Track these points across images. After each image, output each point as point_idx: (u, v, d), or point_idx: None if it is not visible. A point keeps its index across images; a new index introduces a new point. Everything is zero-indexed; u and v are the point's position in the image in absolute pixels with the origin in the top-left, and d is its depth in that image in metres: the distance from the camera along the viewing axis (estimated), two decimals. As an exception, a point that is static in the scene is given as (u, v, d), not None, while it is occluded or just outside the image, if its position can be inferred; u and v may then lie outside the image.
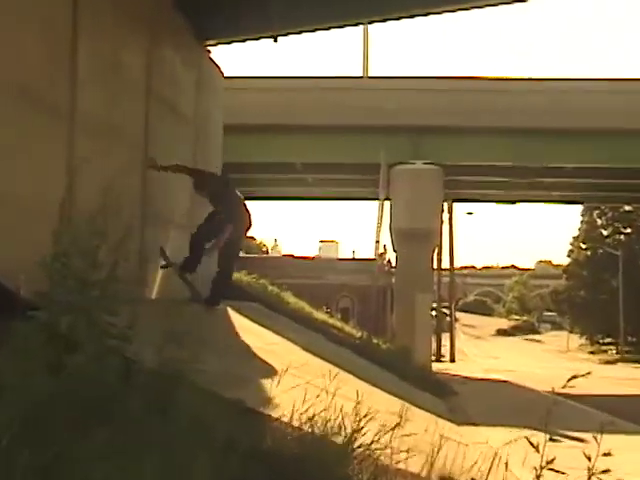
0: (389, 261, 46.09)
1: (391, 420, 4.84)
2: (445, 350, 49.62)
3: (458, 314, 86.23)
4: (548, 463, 3.10)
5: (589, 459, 3.07)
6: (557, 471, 3.10)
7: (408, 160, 31.04)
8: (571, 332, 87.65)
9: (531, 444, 3.11)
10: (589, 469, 3.07)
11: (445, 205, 44.29)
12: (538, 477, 3.12)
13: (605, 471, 3.09)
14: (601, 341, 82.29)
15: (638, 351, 69.75)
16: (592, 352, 77.88)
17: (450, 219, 49.37)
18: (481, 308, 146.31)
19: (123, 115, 9.57)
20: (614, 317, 67.89)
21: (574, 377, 3.26)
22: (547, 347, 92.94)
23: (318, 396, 4.93)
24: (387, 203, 30.82)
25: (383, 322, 42.03)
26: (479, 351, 74.21)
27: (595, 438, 3.25)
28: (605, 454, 3.12)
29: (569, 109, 30.31)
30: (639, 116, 29.93)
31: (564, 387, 3.27)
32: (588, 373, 3.39)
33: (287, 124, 30.59)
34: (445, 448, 4.94)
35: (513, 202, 43.91)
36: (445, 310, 55.11)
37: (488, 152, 31.48)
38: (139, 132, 10.18)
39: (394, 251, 32.89)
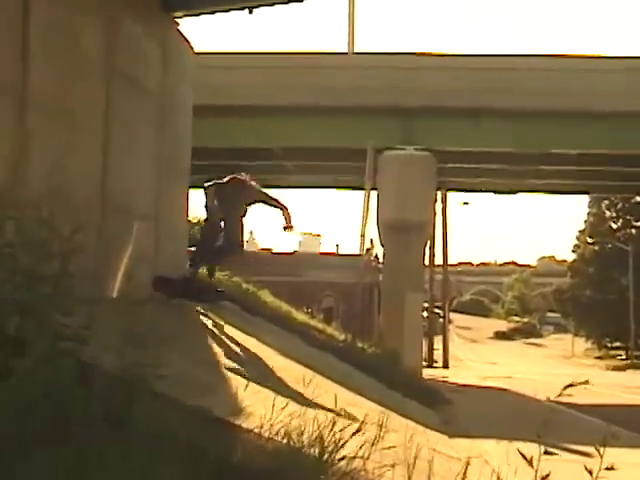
0: (376, 257, 46.16)
1: (375, 431, 4.85)
2: (438, 355, 49.74)
3: (452, 315, 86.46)
4: (543, 479, 3.11)
5: (590, 473, 3.09)
6: (553, 487, 3.12)
7: (398, 145, 31.11)
8: (576, 335, 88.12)
9: (524, 457, 3.12)
10: (590, 485, 3.09)
11: (438, 195, 44.49)
12: (533, 494, 3.13)
13: (607, 486, 3.10)
14: (609, 345, 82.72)
15: (650, 356, 70.04)
16: (599, 357, 78.30)
17: (444, 210, 49.50)
18: (478, 309, 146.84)
19: (80, 92, 9.51)
20: (623, 319, 68.04)
21: (571, 385, 3.28)
22: (550, 352, 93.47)
23: (293, 405, 4.93)
24: (374, 193, 30.82)
25: (369, 323, 42.13)
26: (475, 356, 74.56)
27: (598, 451, 3.27)
28: (608, 468, 3.13)
29: (576, 90, 30.42)
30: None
31: (559, 395, 3.29)
32: (586, 381, 3.41)
33: (265, 105, 30.56)
34: (434, 462, 4.95)
35: (513, 192, 44.04)
36: (438, 311, 55.22)
37: (486, 137, 31.56)
38: (98, 111, 10.13)
39: (382, 246, 32.95)
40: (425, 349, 45.85)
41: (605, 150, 32.41)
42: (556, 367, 55.73)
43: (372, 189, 30.37)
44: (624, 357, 73.24)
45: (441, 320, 54.70)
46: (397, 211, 30.27)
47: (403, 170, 30.58)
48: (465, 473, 4.47)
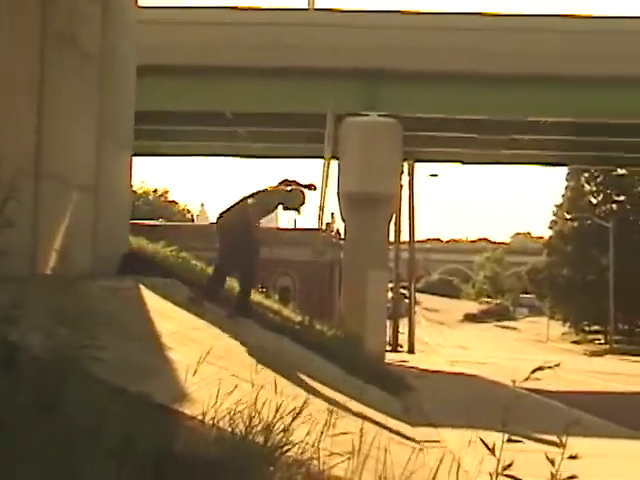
0: (337, 232, 46.27)
1: (330, 419, 4.90)
2: (403, 339, 49.99)
3: (419, 296, 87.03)
4: (505, 468, 3.17)
5: (552, 463, 3.15)
6: (515, 478, 3.17)
7: (361, 111, 31.10)
8: (552, 318, 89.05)
9: (486, 446, 3.18)
10: (552, 475, 3.15)
11: (405, 166, 44.56)
12: (493, 484, 3.19)
13: (571, 477, 3.17)
14: (587, 329, 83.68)
15: (630, 341, 70.81)
16: (576, 342, 79.16)
17: (410, 182, 49.63)
18: (447, 289, 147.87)
19: (13, 51, 9.44)
20: (602, 301, 68.64)
21: (539, 369, 3.33)
22: (524, 335, 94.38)
23: (242, 391, 4.97)
24: (335, 162, 30.82)
25: (329, 304, 42.29)
26: (443, 340, 75.09)
27: (560, 440, 3.33)
28: (571, 457, 3.19)
29: (554, 52, 30.52)
30: (636, 61, 30.17)
31: (527, 380, 3.35)
32: (557, 364, 3.47)
33: (216, 65, 30.40)
34: (393, 451, 5.01)
35: (486, 163, 44.28)
36: (403, 291, 55.46)
37: (458, 103, 31.63)
38: (31, 72, 10.05)
39: (343, 220, 32.92)
40: (389, 332, 46.14)
41: (584, 119, 32.61)
42: (530, 352, 56.26)
43: (332, 158, 30.37)
44: (603, 342, 74.05)
45: (407, 301, 54.91)
46: (360, 183, 30.22)
47: (366, 138, 30.54)
48: (434, 465, 4.53)
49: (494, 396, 16.02)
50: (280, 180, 13.32)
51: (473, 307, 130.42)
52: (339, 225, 43.86)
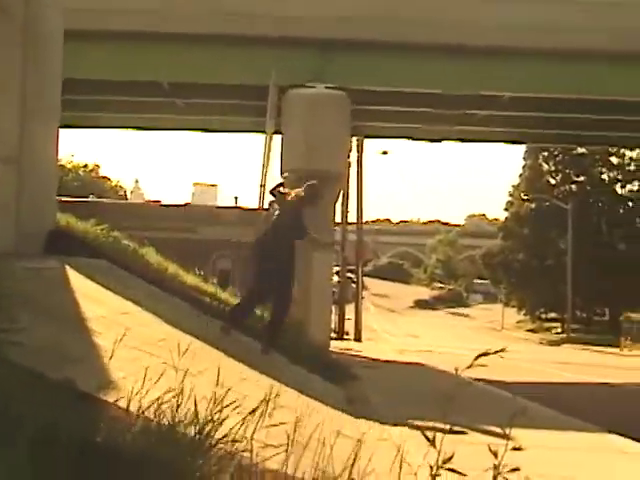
0: (281, 211, 46.11)
1: (267, 410, 4.91)
2: (350, 326, 50.15)
3: (367, 280, 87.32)
4: (445, 461, 3.20)
5: (495, 455, 3.19)
6: (455, 471, 3.21)
7: (307, 83, 30.99)
8: (507, 305, 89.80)
9: (426, 438, 3.21)
10: (495, 467, 3.19)
11: (354, 142, 44.61)
12: (434, 477, 3.22)
13: (513, 469, 3.20)
14: (544, 317, 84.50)
15: (588, 330, 71.61)
16: (532, 330, 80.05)
17: (359, 160, 49.70)
18: (397, 273, 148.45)
19: None
20: (560, 287, 69.20)
21: (484, 354, 3.36)
22: (477, 323, 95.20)
23: (171, 378, 4.96)
24: (278, 138, 30.73)
25: (271, 289, 42.18)
26: (392, 327, 75.47)
27: (504, 431, 3.38)
28: (515, 449, 3.24)
29: (510, 23, 30.62)
30: (602, 34, 30.31)
31: (470, 367, 3.39)
32: (502, 349, 3.50)
33: (151, 31, 30.12)
34: (333, 444, 5.03)
35: (439, 140, 44.42)
36: (350, 275, 55.56)
37: (409, 75, 31.62)
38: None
39: (286, 199, 32.82)
40: (335, 319, 46.28)
41: (543, 94, 32.80)
42: (483, 341, 56.75)
43: (275, 133, 30.26)
44: (560, 330, 74.83)
45: (354, 286, 55.02)
46: (304, 159, 30.06)
47: (312, 111, 30.44)
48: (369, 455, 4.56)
49: (442, 386, 16.16)
50: (273, 187, 13.66)
51: (424, 293, 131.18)
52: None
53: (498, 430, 3.73)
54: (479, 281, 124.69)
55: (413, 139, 43.41)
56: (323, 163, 29.90)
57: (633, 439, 10.14)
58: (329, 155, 30.55)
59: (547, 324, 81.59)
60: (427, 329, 74.66)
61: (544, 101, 33.77)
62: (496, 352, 3.49)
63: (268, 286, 13.03)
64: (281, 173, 30.78)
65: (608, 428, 11.03)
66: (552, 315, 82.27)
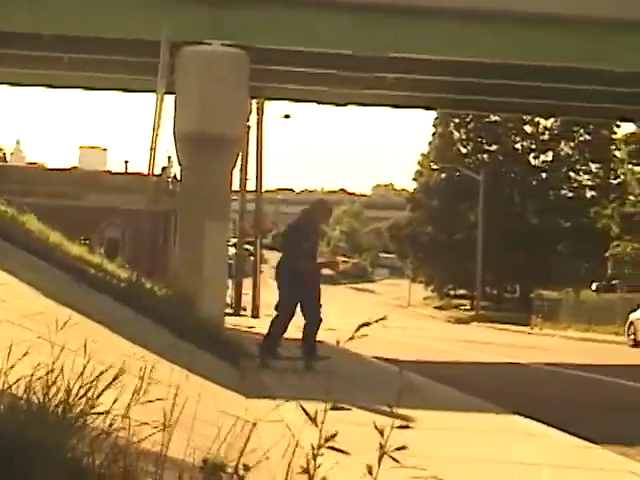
0: (175, 177, 45.99)
1: (146, 387, 4.91)
2: (247, 301, 50.19)
3: (267, 253, 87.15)
4: (327, 440, 3.23)
5: (382, 433, 3.23)
6: (338, 450, 3.24)
7: (202, 39, 30.75)
8: (414, 281, 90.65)
9: (307, 414, 3.24)
10: (381, 446, 3.22)
11: (254, 105, 44.51)
12: (315, 457, 3.25)
13: (400, 448, 3.25)
14: (452, 294, 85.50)
15: (499, 307, 72.63)
16: (440, 307, 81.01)
17: (259, 123, 49.61)
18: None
19: None
20: (470, 262, 69.94)
21: (366, 324, 3.40)
22: (382, 299, 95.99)
23: (42, 354, 4.94)
24: (171, 98, 30.50)
25: (163, 260, 42.16)
26: (292, 303, 75.58)
27: (391, 408, 3.42)
28: (402, 427, 3.28)
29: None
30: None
31: (352, 339, 3.42)
32: (383, 318, 3.54)
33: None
34: (220, 424, 5.07)
35: (346, 104, 44.50)
36: (248, 247, 55.56)
37: (314, 34, 31.55)
38: None
39: (179, 164, 32.65)
40: (231, 293, 46.29)
41: (454, 57, 33.01)
42: (389, 318, 57.16)
43: (167, 93, 29.99)
44: (469, 308, 75.84)
45: (252, 259, 55.04)
46: (198, 122, 29.80)
47: (207, 70, 30.13)
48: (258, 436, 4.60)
49: (340, 365, 16.38)
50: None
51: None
52: (177, 170, 43.58)
53: (387, 409, 3.78)
54: (385, 255, 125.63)
55: (318, 103, 43.46)
56: (219, 126, 29.73)
57: (540, 421, 10.32)
58: (226, 117, 30.31)
59: (456, 301, 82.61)
60: (329, 306, 74.50)
61: (457, 64, 33.95)
62: (377, 321, 3.53)
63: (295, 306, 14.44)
64: (174, 136, 30.53)
65: (514, 409, 11.21)
66: (461, 292, 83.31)
